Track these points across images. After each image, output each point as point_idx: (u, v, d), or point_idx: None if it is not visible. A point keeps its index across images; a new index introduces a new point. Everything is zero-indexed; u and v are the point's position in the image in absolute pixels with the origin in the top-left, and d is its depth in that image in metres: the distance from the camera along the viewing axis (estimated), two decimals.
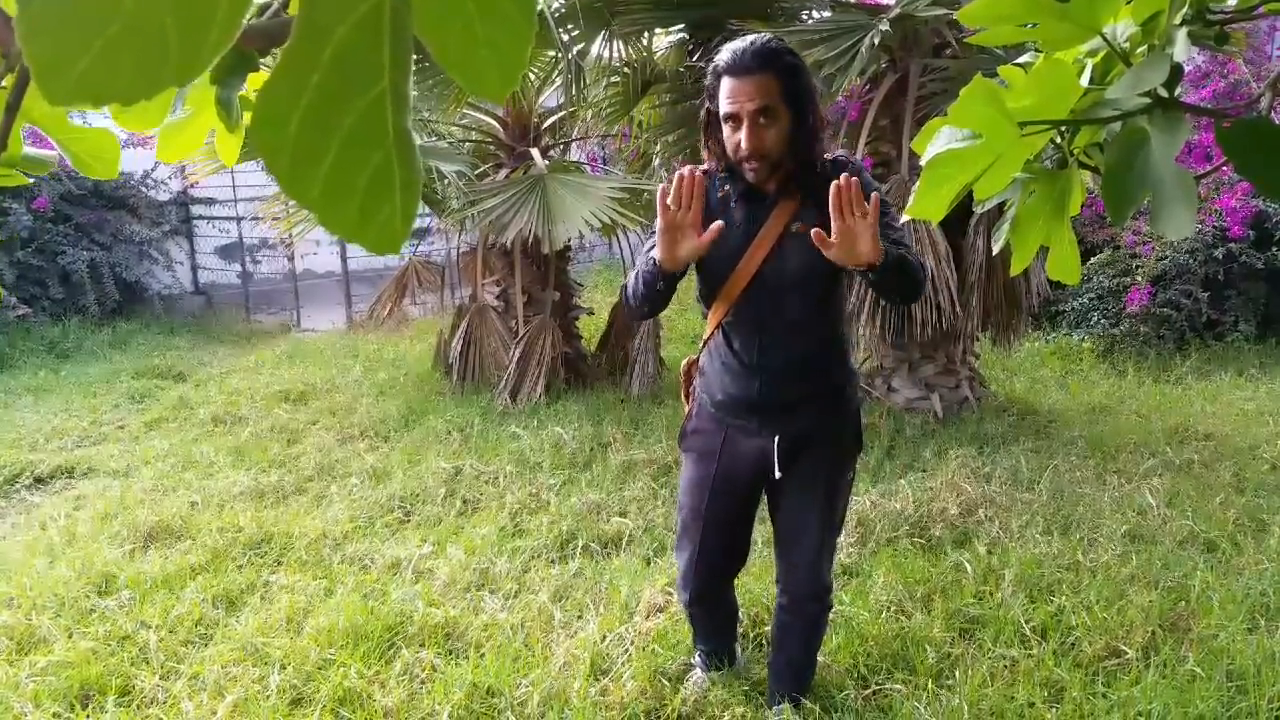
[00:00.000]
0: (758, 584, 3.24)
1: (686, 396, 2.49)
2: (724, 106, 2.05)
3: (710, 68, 2.09)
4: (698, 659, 2.79)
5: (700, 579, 2.46)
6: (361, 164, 0.36)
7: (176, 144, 0.89)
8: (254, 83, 0.84)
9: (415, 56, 0.37)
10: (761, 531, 3.23)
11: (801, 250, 2.11)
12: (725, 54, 2.06)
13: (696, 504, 2.38)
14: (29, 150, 0.88)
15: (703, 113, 2.17)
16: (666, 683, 2.75)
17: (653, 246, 2.09)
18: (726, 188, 2.17)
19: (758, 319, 2.21)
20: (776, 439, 2.26)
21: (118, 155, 0.88)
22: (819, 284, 2.20)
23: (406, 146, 0.37)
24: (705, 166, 2.20)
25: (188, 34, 0.33)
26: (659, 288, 2.11)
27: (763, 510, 2.51)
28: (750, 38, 2.07)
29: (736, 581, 2.63)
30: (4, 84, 0.62)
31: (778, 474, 2.27)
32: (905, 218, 0.99)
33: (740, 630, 2.88)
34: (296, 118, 0.34)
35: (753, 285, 2.17)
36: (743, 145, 2.04)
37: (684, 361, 2.52)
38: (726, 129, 2.08)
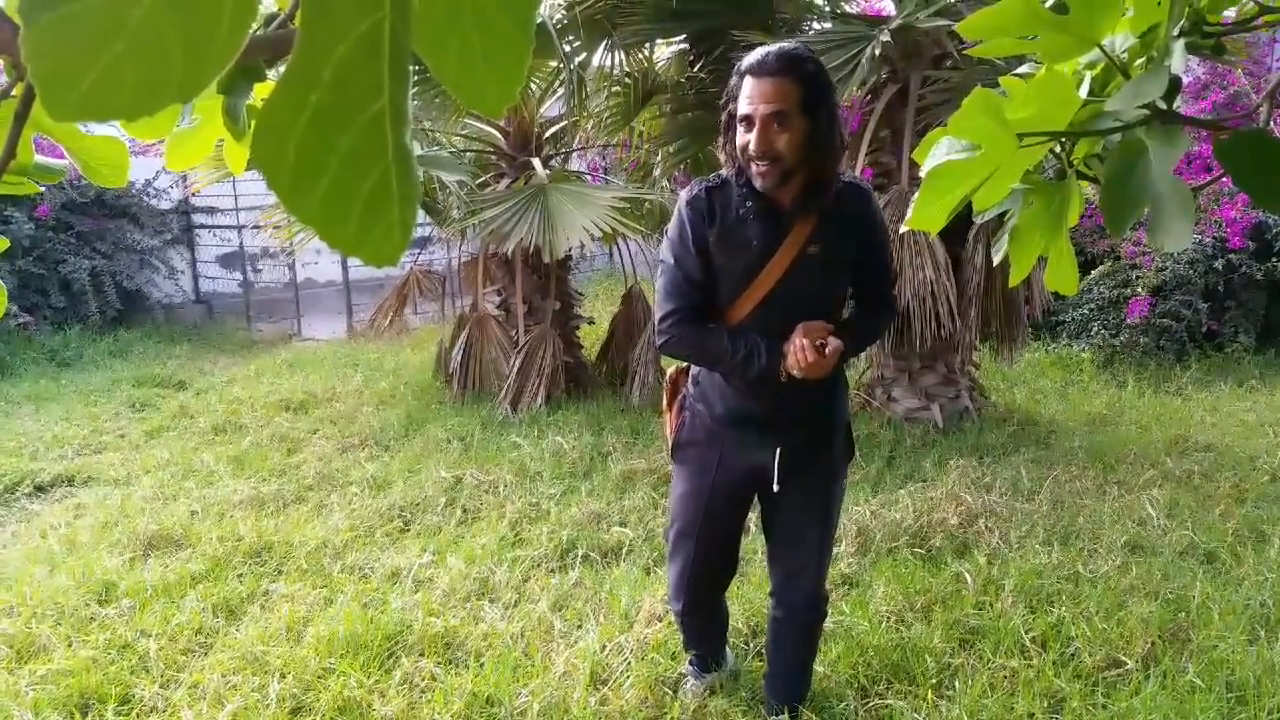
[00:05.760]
0: (759, 594, 3.23)
1: (670, 406, 2.43)
2: (741, 107, 2.01)
3: (735, 67, 2.06)
4: (689, 666, 2.78)
5: (693, 591, 2.45)
6: (360, 180, 0.37)
7: (185, 152, 0.89)
8: (261, 92, 0.85)
9: (416, 68, 0.37)
10: (760, 541, 3.22)
11: (816, 271, 2.12)
12: (752, 55, 2.02)
13: (691, 517, 2.36)
14: (40, 159, 0.88)
15: (724, 114, 2.11)
16: (666, 691, 2.74)
17: (683, 278, 2.14)
18: (749, 204, 2.09)
19: (766, 336, 2.15)
20: (778, 451, 2.24)
21: (127, 163, 0.88)
22: (828, 305, 2.20)
23: (405, 161, 0.37)
24: (723, 173, 2.16)
25: (191, 51, 0.33)
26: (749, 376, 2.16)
27: (752, 519, 2.49)
28: (780, 44, 2.05)
29: (739, 591, 2.62)
30: (13, 93, 0.63)
31: (776, 487, 2.25)
32: (905, 228, 1.00)
33: (740, 638, 2.87)
34: (297, 135, 0.35)
35: (764, 303, 2.14)
36: (751, 146, 2.00)
37: (670, 370, 2.46)
38: (740, 129, 2.03)
